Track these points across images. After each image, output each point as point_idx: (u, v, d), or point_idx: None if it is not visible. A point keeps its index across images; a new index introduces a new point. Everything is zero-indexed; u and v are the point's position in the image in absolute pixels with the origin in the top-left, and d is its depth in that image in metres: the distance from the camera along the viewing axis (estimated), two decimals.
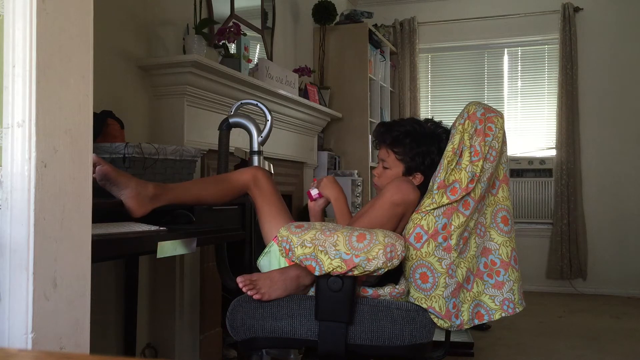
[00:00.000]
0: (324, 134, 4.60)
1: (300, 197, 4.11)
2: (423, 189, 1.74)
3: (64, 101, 1.11)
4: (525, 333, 3.68)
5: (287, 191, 3.88)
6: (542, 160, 5.20)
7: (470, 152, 1.65)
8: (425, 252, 1.63)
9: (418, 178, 1.84)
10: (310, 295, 1.65)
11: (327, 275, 1.51)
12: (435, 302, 1.62)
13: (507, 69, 5.43)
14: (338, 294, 1.51)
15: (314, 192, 1.93)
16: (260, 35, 3.80)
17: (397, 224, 1.72)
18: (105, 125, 2.15)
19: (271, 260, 1.78)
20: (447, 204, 1.63)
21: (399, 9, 5.58)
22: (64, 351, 1.09)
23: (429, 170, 1.81)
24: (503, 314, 1.68)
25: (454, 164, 1.66)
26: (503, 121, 1.72)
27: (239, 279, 1.59)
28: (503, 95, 5.43)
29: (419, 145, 1.83)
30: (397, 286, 1.66)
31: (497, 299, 1.68)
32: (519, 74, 5.41)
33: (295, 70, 3.97)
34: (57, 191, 1.09)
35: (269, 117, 2.36)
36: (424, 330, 1.59)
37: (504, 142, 1.72)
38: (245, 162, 2.52)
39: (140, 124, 2.61)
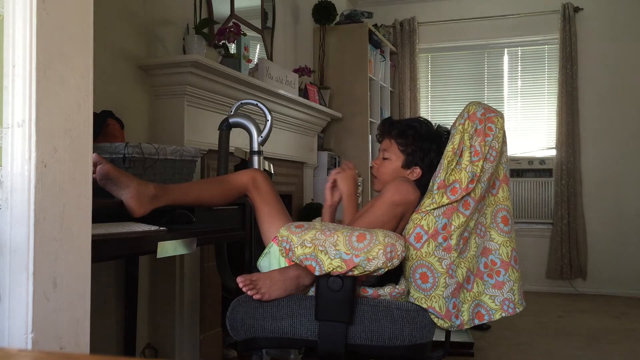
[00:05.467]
0: (324, 134, 4.60)
1: (300, 197, 4.11)
2: (423, 189, 1.74)
3: (64, 101, 1.11)
4: (525, 333, 3.68)
5: (287, 191, 3.88)
6: (542, 160, 5.20)
7: (470, 152, 1.65)
8: (425, 252, 1.63)
9: (416, 172, 1.85)
10: (310, 295, 1.65)
11: (327, 275, 1.51)
12: (435, 302, 1.62)
13: (507, 69, 5.43)
14: (338, 294, 1.51)
15: None
16: (260, 35, 3.80)
17: (397, 224, 1.72)
18: (105, 125, 2.15)
19: (271, 260, 1.78)
20: (447, 204, 1.63)
21: (399, 9, 5.58)
22: (64, 351, 1.09)
23: (427, 169, 1.82)
24: (503, 314, 1.68)
25: (454, 164, 1.66)
26: (503, 121, 1.72)
27: (239, 279, 1.59)
28: (503, 95, 5.43)
29: (422, 140, 1.85)
30: (397, 286, 1.66)
31: (497, 299, 1.68)
32: (519, 74, 5.41)
33: (295, 70, 3.97)
34: (57, 191, 1.09)
35: (269, 117, 2.36)
36: (424, 330, 1.59)
37: (504, 142, 1.72)
38: (245, 162, 2.52)
39: (140, 124, 2.61)
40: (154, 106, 2.69)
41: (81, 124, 1.15)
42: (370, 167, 2.07)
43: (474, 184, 1.63)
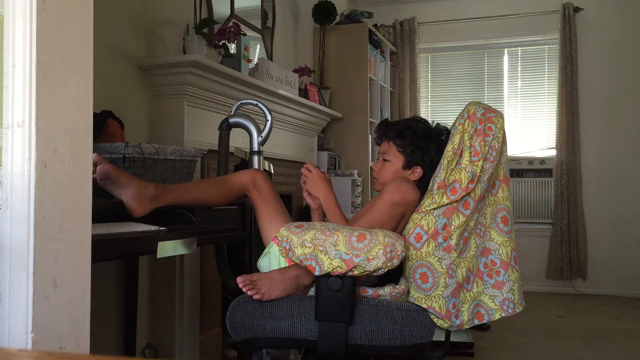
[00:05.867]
0: (324, 134, 4.60)
1: (300, 197, 4.10)
2: (423, 189, 1.74)
3: (64, 101, 1.11)
4: (525, 333, 3.68)
5: (287, 191, 3.88)
6: (542, 160, 5.20)
7: (470, 152, 1.65)
8: (425, 252, 1.63)
9: (418, 172, 1.84)
10: (310, 295, 1.65)
11: (327, 275, 1.51)
12: (435, 302, 1.62)
13: (507, 69, 5.43)
14: (338, 294, 1.51)
15: None
16: (260, 35, 3.80)
17: (397, 224, 1.72)
18: (105, 125, 2.15)
19: (271, 261, 1.78)
20: (447, 204, 1.63)
21: (399, 9, 5.58)
22: (64, 351, 1.09)
23: (428, 167, 1.82)
24: (503, 314, 1.68)
25: (454, 164, 1.66)
26: (503, 121, 1.72)
27: (239, 279, 1.59)
28: (503, 95, 5.43)
29: (421, 140, 1.84)
30: (397, 286, 1.66)
31: (497, 299, 1.68)
32: (519, 74, 5.41)
33: (295, 70, 3.97)
34: (57, 191, 1.09)
35: (269, 117, 2.36)
36: (424, 330, 1.59)
37: (504, 142, 1.72)
38: (245, 162, 2.52)
39: (140, 124, 2.61)
40: (154, 106, 2.69)
41: (81, 124, 1.15)
42: (371, 168, 2.06)
43: (474, 184, 1.63)
